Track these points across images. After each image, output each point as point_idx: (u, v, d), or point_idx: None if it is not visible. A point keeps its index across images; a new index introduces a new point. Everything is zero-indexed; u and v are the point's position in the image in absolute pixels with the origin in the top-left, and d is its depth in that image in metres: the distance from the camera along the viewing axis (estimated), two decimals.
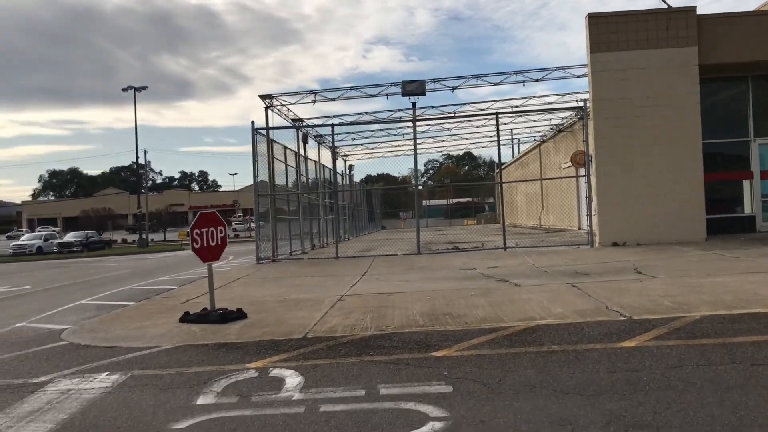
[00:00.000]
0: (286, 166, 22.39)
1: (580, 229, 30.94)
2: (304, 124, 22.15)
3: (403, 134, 32.85)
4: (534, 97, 24.38)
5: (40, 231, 67.13)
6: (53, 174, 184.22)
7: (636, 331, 7.23)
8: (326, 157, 32.06)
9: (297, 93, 23.46)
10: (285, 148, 22.36)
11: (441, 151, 37.78)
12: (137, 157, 63.92)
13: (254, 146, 18.43)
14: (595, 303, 9.01)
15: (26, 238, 58.97)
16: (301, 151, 26.26)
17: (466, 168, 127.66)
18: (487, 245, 22.27)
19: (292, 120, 27.15)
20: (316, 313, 9.46)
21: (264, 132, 18.96)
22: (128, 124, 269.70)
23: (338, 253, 18.63)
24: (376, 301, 10.28)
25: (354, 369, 6.28)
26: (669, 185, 17.83)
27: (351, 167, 41.66)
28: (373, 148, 38.16)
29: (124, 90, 59.49)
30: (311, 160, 27.49)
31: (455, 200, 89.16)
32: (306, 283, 13.44)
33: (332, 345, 7.37)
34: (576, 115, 26.08)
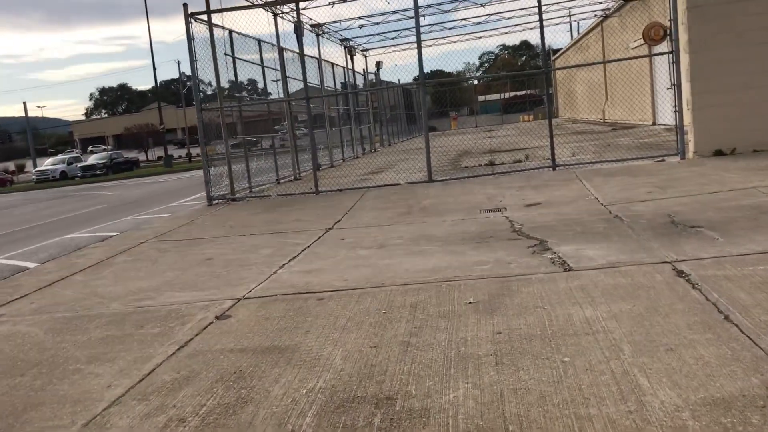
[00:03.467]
0: (262, 66, 17.00)
1: (655, 124, 24.69)
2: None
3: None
4: None
5: (65, 155, 63.97)
6: (103, 91, 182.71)
7: None
8: (337, 55, 26.34)
9: None
10: (259, 42, 16.90)
11: (480, 36, 30.87)
12: (179, 70, 58.98)
13: (189, 39, 13.09)
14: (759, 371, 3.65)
15: (49, 163, 55.70)
16: (294, 47, 20.67)
17: (524, 58, 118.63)
18: (533, 157, 16.65)
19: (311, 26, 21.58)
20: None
21: (204, 18, 13.44)
22: (180, 36, 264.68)
23: (318, 185, 13.39)
24: (270, 338, 5.17)
25: None
26: None
27: (378, 64, 35.63)
28: (403, 47, 32.03)
29: None
30: (310, 57, 21.87)
31: (511, 94, 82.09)
32: (224, 254, 8.40)
33: None
34: None
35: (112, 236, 11.21)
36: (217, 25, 14.01)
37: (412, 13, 21.72)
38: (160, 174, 45.72)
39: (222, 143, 14.72)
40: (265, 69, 17.47)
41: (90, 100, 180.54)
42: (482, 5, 21.68)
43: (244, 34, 16.00)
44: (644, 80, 25.04)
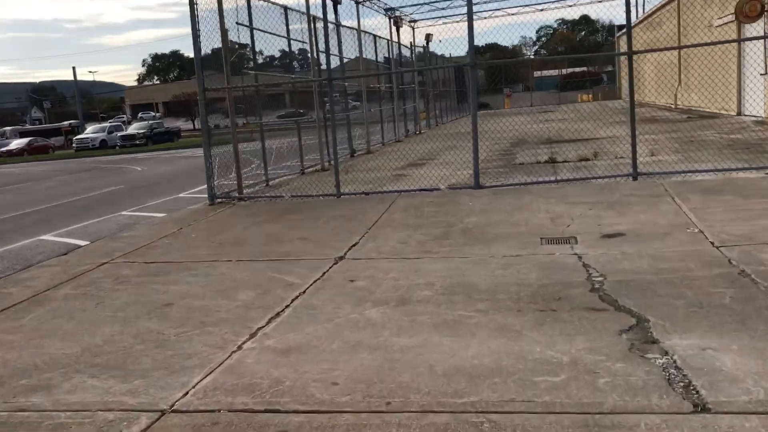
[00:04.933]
0: (289, 39, 14.72)
1: (740, 114, 21.57)
2: None
3: None
4: None
5: (107, 123, 63.08)
6: (156, 58, 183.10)
7: None
8: (384, 28, 23.79)
9: None
10: (286, 9, 14.59)
11: (541, 8, 27.89)
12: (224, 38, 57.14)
13: (192, 4, 10.84)
14: None
15: (90, 131, 54.76)
16: (330, 17, 18.30)
17: (582, 33, 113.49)
18: (603, 154, 14.03)
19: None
20: None
21: None
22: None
23: (340, 186, 11.02)
24: None
25: None
26: None
27: (428, 37, 32.93)
28: (455, 19, 29.27)
29: None
30: (348, 28, 19.48)
31: (569, 70, 78.40)
32: (191, 296, 6.21)
33: None
34: None
35: (81, 247, 9.16)
36: None
37: None
38: (198, 146, 44.20)
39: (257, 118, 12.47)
40: (292, 42, 15.15)
41: (143, 66, 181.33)
42: None
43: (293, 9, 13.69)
44: (730, 63, 21.87)
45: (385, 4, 22.72)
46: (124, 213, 13.02)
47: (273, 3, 14.32)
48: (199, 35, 11.07)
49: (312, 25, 15.59)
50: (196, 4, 10.93)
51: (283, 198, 11.35)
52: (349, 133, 19.48)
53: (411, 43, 28.66)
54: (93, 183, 22.17)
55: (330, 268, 6.80)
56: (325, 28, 11.55)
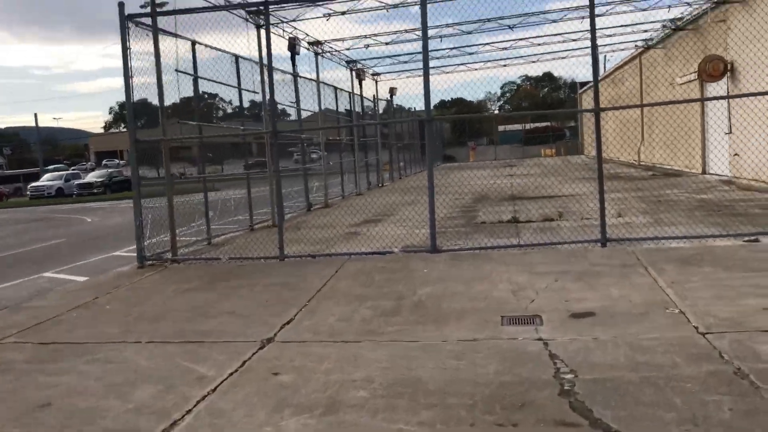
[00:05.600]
0: (240, 89, 13.89)
1: (705, 173, 21.24)
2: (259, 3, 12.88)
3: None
4: None
5: (64, 171, 61.31)
6: (123, 105, 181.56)
7: None
8: (341, 79, 23.24)
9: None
10: (237, 58, 13.79)
11: (504, 63, 27.56)
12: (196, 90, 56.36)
13: (125, 49, 9.91)
14: None
15: (46, 179, 52.94)
16: (288, 67, 17.62)
17: (546, 90, 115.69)
18: (568, 213, 13.30)
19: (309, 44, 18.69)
20: None
21: (147, 22, 10.21)
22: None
23: (284, 248, 9.96)
24: None
25: None
26: None
27: (392, 90, 32.52)
28: (418, 73, 28.93)
29: None
30: (305, 79, 18.75)
31: (532, 125, 79.57)
32: (75, 394, 5.09)
33: None
34: None
35: None
36: (168, 32, 10.86)
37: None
38: (158, 196, 42.84)
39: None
40: (243, 92, 14.30)
41: (110, 113, 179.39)
42: (510, 27, 18.49)
43: (213, 47, 12.88)
44: (694, 121, 21.65)
45: (346, 56, 22.11)
46: (46, 275, 11.78)
47: (222, 51, 13.52)
48: (131, 82, 10.09)
49: (265, 75, 14.77)
50: (130, 48, 9.98)
51: (221, 260, 10.26)
52: (305, 186, 18.56)
53: (374, 95, 28.12)
54: (34, 235, 20.78)
55: (253, 354, 5.74)
56: (270, 77, 10.68)
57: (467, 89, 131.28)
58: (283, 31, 16.65)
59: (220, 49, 13.33)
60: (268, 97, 10.82)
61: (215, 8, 11.37)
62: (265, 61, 12.16)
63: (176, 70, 11.28)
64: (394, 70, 26.76)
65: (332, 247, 11.12)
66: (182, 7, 11.02)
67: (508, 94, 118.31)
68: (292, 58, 17.85)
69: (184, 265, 10.30)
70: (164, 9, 10.29)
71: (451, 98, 68.22)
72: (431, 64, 26.65)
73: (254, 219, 14.68)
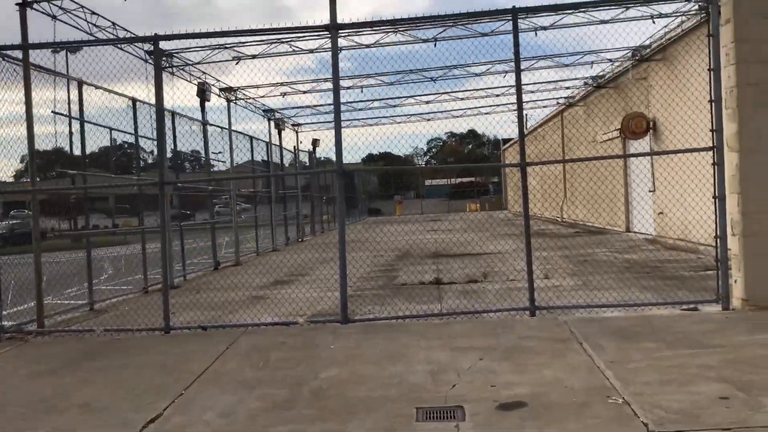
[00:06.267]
0: (136, 135, 12.60)
1: (629, 231, 21.03)
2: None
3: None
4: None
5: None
6: (37, 154, 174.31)
7: None
8: (262, 131, 22.13)
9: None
10: (134, 100, 12.50)
11: (428, 117, 27.06)
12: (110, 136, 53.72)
13: None
14: None
15: None
16: (199, 115, 16.41)
17: (470, 146, 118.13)
18: (493, 275, 12.42)
19: (221, 90, 17.61)
20: None
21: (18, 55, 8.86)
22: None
23: (169, 318, 8.54)
24: None
25: None
26: None
27: (315, 142, 31.56)
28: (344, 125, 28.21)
29: None
30: (218, 127, 17.55)
31: (458, 180, 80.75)
32: None
33: None
34: (665, 38, 15.78)
35: None
36: (43, 69, 9.52)
37: (346, 84, 17.77)
38: (63, 250, 40.03)
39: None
40: (146, 140, 12.99)
41: (21, 162, 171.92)
42: (432, 80, 17.91)
43: (106, 89, 11.58)
44: (617, 178, 21.54)
45: (264, 104, 21.04)
46: None
47: (116, 93, 12.23)
48: None
49: (168, 122, 13.53)
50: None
51: (95, 332, 8.74)
52: (213, 242, 17.14)
53: (295, 147, 27.10)
54: None
55: None
56: (159, 119, 9.45)
57: (395, 144, 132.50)
58: (190, 75, 15.46)
59: (113, 91, 12.04)
60: (157, 142, 9.52)
61: (99, 42, 10.10)
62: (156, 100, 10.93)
63: (53, 112, 9.90)
64: (316, 122, 25.86)
65: (230, 315, 9.79)
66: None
67: (434, 150, 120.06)
68: (202, 105, 16.66)
69: (50, 338, 8.73)
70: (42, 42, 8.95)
71: (379, 152, 68.19)
72: (356, 115, 26.04)
73: (150, 279, 13.15)
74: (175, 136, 14.98)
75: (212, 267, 16.93)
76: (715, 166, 7.97)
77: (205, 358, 7.10)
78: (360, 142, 33.78)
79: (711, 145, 7.98)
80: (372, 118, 27.86)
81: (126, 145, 15.73)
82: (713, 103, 7.95)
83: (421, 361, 6.61)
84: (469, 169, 77.87)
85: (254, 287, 12.71)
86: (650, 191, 18.17)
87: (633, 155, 15.67)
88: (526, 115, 45.29)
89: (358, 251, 18.97)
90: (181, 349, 7.62)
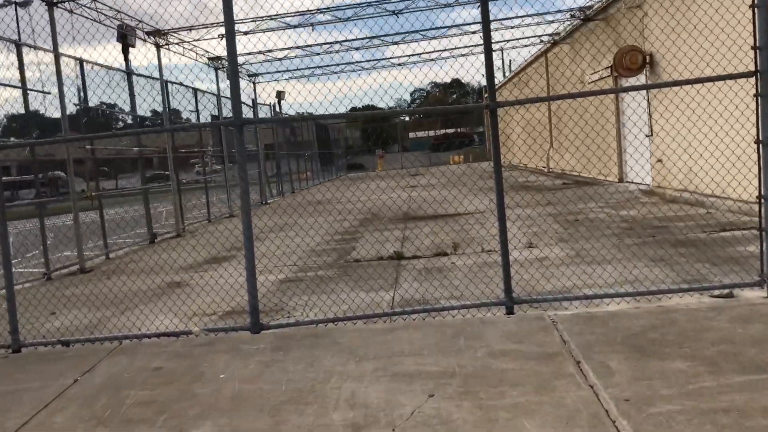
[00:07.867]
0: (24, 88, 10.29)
1: (622, 181, 18.89)
2: None
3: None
4: None
5: None
6: (13, 118, 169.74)
7: None
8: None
9: None
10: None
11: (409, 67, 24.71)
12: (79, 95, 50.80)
13: None
14: None
15: None
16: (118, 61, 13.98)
17: (455, 96, 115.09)
18: (466, 243, 10.27)
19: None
20: None
21: None
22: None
23: (18, 335, 6.20)
24: None
25: None
26: None
27: (280, 94, 28.98)
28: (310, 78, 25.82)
29: None
30: (143, 77, 15.05)
31: (441, 132, 78.60)
32: None
33: None
34: None
35: None
36: None
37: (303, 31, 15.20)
38: (34, 216, 37.56)
39: None
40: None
41: None
42: (395, 13, 15.37)
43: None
44: (608, 123, 19.28)
45: (206, 51, 18.44)
46: None
47: None
48: None
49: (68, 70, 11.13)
50: None
51: None
52: (147, 211, 14.83)
53: (253, 99, 24.51)
54: None
55: None
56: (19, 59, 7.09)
57: (378, 96, 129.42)
58: (107, 17, 12.92)
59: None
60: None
61: None
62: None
63: None
64: (271, 71, 23.26)
65: (120, 316, 7.60)
66: None
67: (418, 101, 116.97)
68: (125, 52, 14.17)
69: None
70: None
71: (363, 105, 65.39)
72: (328, 61, 23.53)
73: (64, 259, 10.93)
74: (85, 88, 12.62)
75: (148, 240, 14.67)
76: (758, 98, 5.70)
77: (34, 402, 4.89)
78: (347, 95, 31.42)
79: (753, 69, 5.69)
80: (344, 63, 25.43)
81: None
82: (755, 9, 5.64)
83: (342, 404, 4.42)
84: (430, 113, 75.46)
85: (179, 268, 10.52)
86: (647, 136, 15.94)
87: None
88: (510, 60, 42.62)
89: (324, 213, 16.76)
90: (13, 384, 5.38)
